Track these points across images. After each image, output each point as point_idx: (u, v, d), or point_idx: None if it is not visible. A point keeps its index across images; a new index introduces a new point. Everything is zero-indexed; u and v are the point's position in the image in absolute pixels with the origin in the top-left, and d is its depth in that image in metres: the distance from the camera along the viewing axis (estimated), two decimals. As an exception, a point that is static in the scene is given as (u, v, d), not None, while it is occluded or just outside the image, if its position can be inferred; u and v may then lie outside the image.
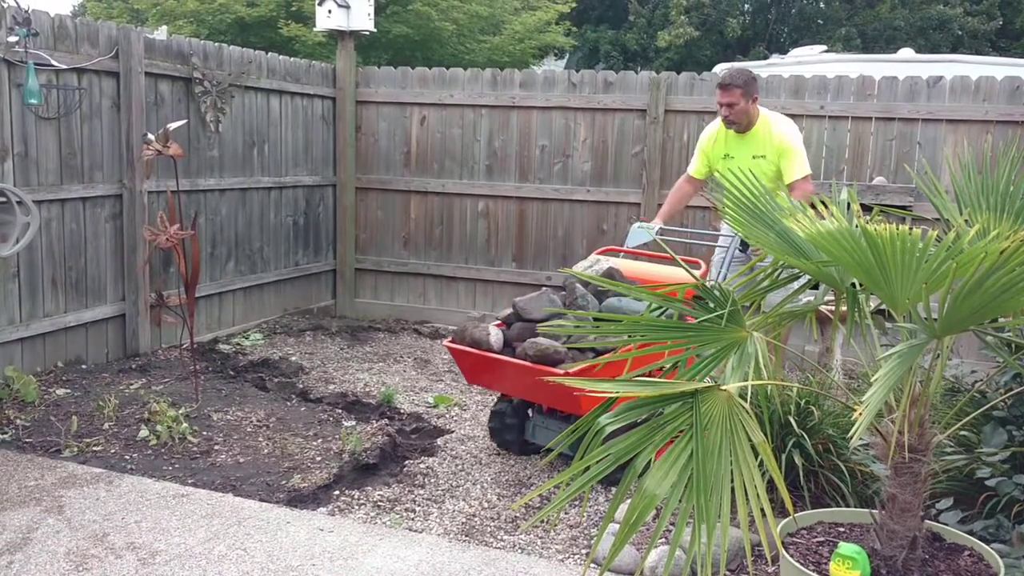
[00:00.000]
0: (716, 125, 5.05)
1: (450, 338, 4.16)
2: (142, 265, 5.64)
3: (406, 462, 4.28)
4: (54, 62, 5.01)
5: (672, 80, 6.69)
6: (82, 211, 5.37)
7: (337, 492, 3.93)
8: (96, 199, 5.45)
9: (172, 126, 4.76)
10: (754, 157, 4.85)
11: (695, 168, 5.17)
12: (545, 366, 3.81)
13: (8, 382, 4.77)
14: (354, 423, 4.78)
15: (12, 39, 4.75)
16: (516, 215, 7.18)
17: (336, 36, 7.49)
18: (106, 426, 4.49)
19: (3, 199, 4.67)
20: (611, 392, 2.09)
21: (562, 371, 3.68)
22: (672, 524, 3.35)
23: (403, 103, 7.41)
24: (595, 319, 4.04)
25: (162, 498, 3.74)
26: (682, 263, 2.98)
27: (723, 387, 2.21)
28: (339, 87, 7.48)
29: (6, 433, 4.32)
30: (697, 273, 4.16)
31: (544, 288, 4.15)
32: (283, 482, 3.96)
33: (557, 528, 3.64)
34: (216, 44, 6.37)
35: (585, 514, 3.76)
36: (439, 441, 4.60)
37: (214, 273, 6.40)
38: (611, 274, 4.29)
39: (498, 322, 4.23)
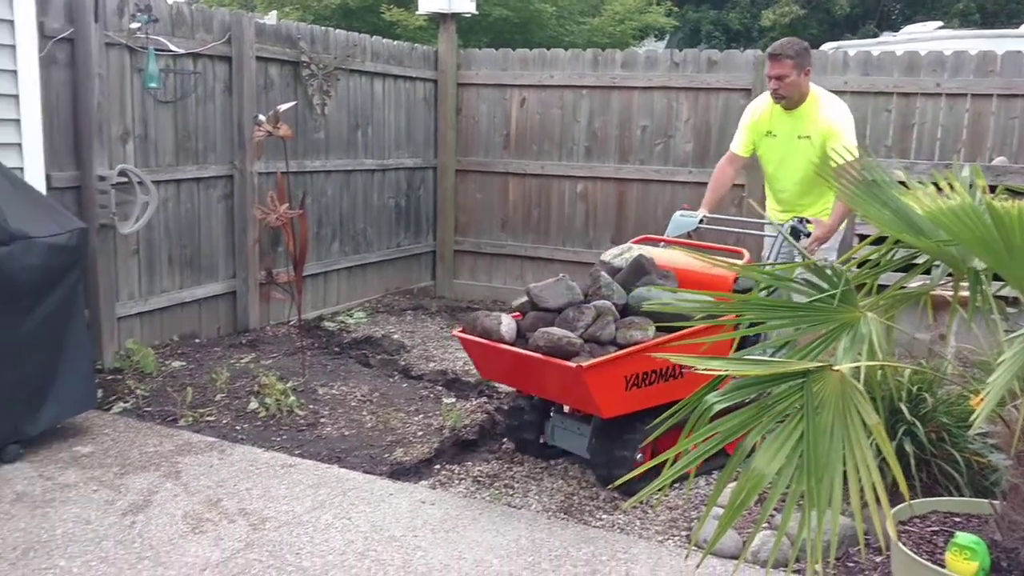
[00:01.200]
0: (763, 100, 4.77)
1: (460, 327, 3.86)
2: (252, 244, 5.83)
3: (504, 439, 4.31)
4: (172, 47, 5.21)
5: (778, 58, 6.50)
6: (196, 191, 5.58)
7: (438, 466, 4.00)
8: (209, 180, 5.66)
9: (282, 108, 4.88)
10: (799, 137, 4.58)
11: (739, 145, 4.86)
12: (557, 358, 3.46)
13: (129, 354, 5.01)
14: (454, 400, 4.84)
15: (134, 26, 4.96)
16: (615, 197, 7.13)
17: (438, 19, 7.55)
18: (218, 397, 4.67)
19: (124, 179, 4.89)
20: (720, 369, 2.06)
21: (575, 365, 3.37)
22: (775, 510, 3.30)
23: (503, 85, 7.43)
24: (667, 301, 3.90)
25: (271, 467, 3.87)
26: (706, 260, 2.99)
27: (836, 367, 2.15)
28: (440, 69, 7.55)
29: (127, 402, 4.55)
30: (739, 262, 3.91)
31: (562, 275, 3.88)
32: (386, 455, 4.05)
33: (657, 509, 3.61)
34: (323, 28, 6.51)
35: (688, 495, 3.72)
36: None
37: (319, 253, 6.57)
38: (639, 263, 3.99)
39: (515, 312, 3.91)
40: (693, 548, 3.25)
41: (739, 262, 3.85)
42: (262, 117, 4.93)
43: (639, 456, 3.65)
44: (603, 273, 3.90)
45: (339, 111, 6.62)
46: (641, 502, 3.64)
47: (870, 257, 2.77)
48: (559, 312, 3.70)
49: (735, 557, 3.19)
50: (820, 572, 2.97)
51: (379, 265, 7.27)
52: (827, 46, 8.16)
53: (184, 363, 5.17)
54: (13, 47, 4.25)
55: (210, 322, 5.79)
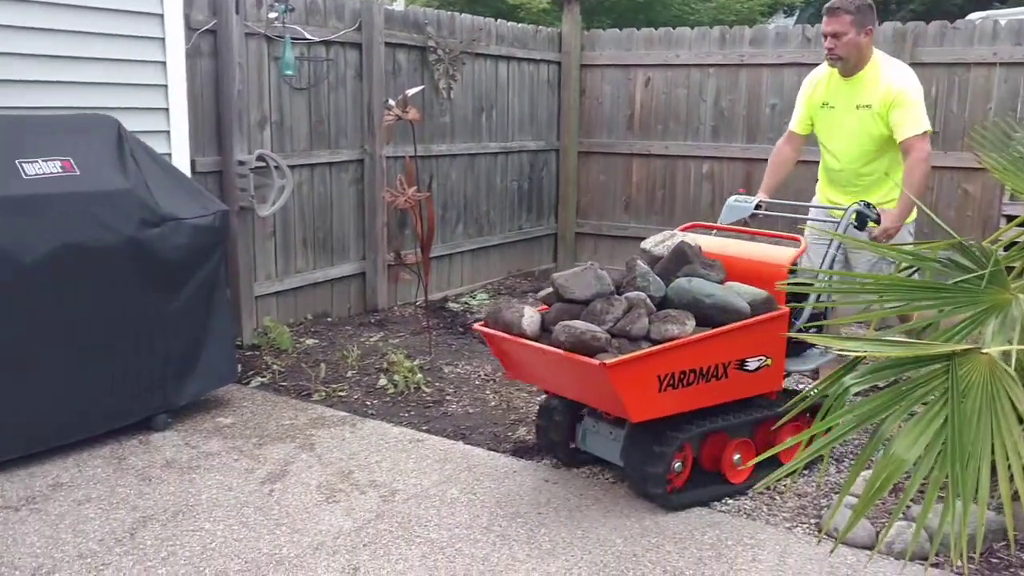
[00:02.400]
0: (820, 70, 4.31)
1: (483, 320, 3.52)
2: (381, 226, 5.99)
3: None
4: (307, 35, 5.39)
5: (920, 30, 6.20)
6: (328, 175, 5.77)
7: (561, 447, 4.03)
8: (341, 164, 5.84)
9: (410, 92, 4.99)
10: (857, 107, 4.07)
11: (796, 122, 4.40)
12: (579, 354, 3.08)
13: (266, 331, 5.25)
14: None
15: (271, 15, 5.16)
16: (743, 177, 6.96)
17: (561, 1, 7.54)
18: (349, 374, 4.83)
19: (262, 164, 5.10)
20: (858, 351, 2.00)
21: (598, 362, 2.99)
22: (912, 501, 3.17)
23: (627, 65, 7.35)
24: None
25: (399, 442, 3.98)
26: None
27: (985, 351, 2.04)
28: (564, 51, 7.54)
29: (264, 377, 4.76)
30: (792, 252, 3.63)
31: (591, 263, 3.48)
32: (509, 433, 4.11)
33: (785, 496, 3.53)
34: (448, 13, 6.60)
35: (818, 482, 3.62)
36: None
37: (444, 235, 6.69)
38: (681, 251, 3.57)
39: (542, 305, 3.54)
40: (824, 536, 3.16)
41: (792, 252, 3.62)
42: (392, 101, 5.05)
43: (677, 465, 3.34)
44: (639, 262, 3.53)
45: (464, 95, 6.71)
46: (768, 488, 3.57)
47: (1018, 239, 2.62)
48: (586, 304, 3.32)
49: (867, 547, 3.08)
50: (964, 568, 2.83)
51: (501, 248, 7.34)
52: (974, 15, 7.71)
53: (317, 341, 5.38)
54: (162, 40, 4.49)
55: (341, 302, 5.99)
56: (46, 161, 3.60)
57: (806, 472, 3.71)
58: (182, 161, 4.62)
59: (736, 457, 3.50)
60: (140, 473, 3.61)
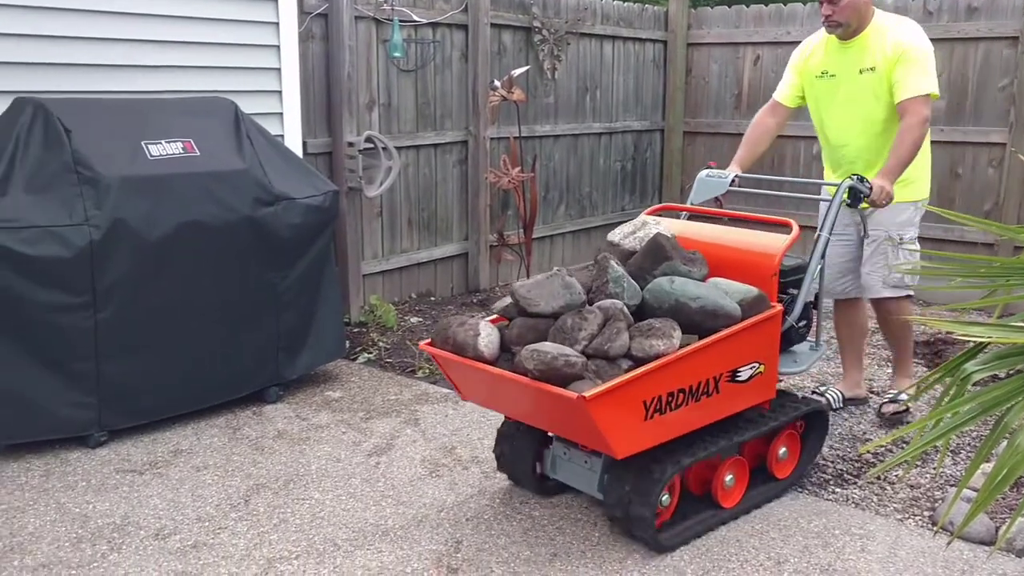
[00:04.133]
0: (815, 36, 3.93)
1: (428, 339, 3.03)
2: (484, 207, 6.04)
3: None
4: (415, 17, 5.46)
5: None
6: (433, 157, 5.85)
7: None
8: (445, 145, 5.90)
9: (515, 73, 5.00)
10: (860, 72, 3.69)
11: (783, 92, 4.00)
12: (551, 385, 2.58)
13: (372, 309, 5.37)
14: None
15: (380, -1, 5.25)
16: (855, 158, 6.71)
17: (669, -22, 7.41)
18: (452, 352, 4.91)
19: (370, 145, 5.21)
20: (983, 336, 1.91)
21: (575, 394, 2.50)
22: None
23: (735, 43, 7.18)
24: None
25: (499, 420, 4.02)
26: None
27: (1121, 339, 1.92)
28: (670, 30, 7.42)
29: (371, 353, 4.88)
30: (784, 240, 3.14)
31: (557, 269, 2.93)
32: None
33: (896, 487, 3.42)
34: (554, -7, 6.58)
35: (934, 474, 3.49)
36: (766, 389, 4.50)
37: (546, 216, 6.70)
38: (658, 244, 3.06)
39: (495, 316, 3.03)
40: (939, 530, 3.05)
41: (785, 239, 3.15)
42: (497, 82, 5.07)
43: (665, 498, 2.91)
44: (612, 263, 2.93)
45: (568, 75, 6.68)
46: (879, 477, 3.46)
47: None
48: (555, 318, 2.79)
49: (985, 543, 2.96)
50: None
51: (603, 229, 7.30)
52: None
53: (421, 319, 5.48)
54: (276, 24, 4.63)
55: (444, 281, 6.08)
56: (169, 142, 3.76)
57: (920, 463, 3.58)
58: (294, 142, 4.76)
59: (728, 478, 3.10)
60: (253, 443, 3.76)
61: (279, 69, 4.67)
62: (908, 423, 3.84)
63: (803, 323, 3.34)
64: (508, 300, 2.93)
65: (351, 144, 5.11)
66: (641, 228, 3.25)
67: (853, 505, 3.28)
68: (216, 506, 3.22)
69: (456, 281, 6.16)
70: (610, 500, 2.91)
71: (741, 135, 7.09)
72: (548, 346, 2.62)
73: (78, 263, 3.43)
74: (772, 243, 3.18)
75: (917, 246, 3.86)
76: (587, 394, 2.48)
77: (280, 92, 4.70)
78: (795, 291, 3.30)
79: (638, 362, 2.67)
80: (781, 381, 3.44)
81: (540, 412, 2.87)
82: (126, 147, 3.64)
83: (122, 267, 3.54)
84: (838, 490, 3.40)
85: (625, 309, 2.79)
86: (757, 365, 3.01)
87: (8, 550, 2.91)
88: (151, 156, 3.68)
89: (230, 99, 4.20)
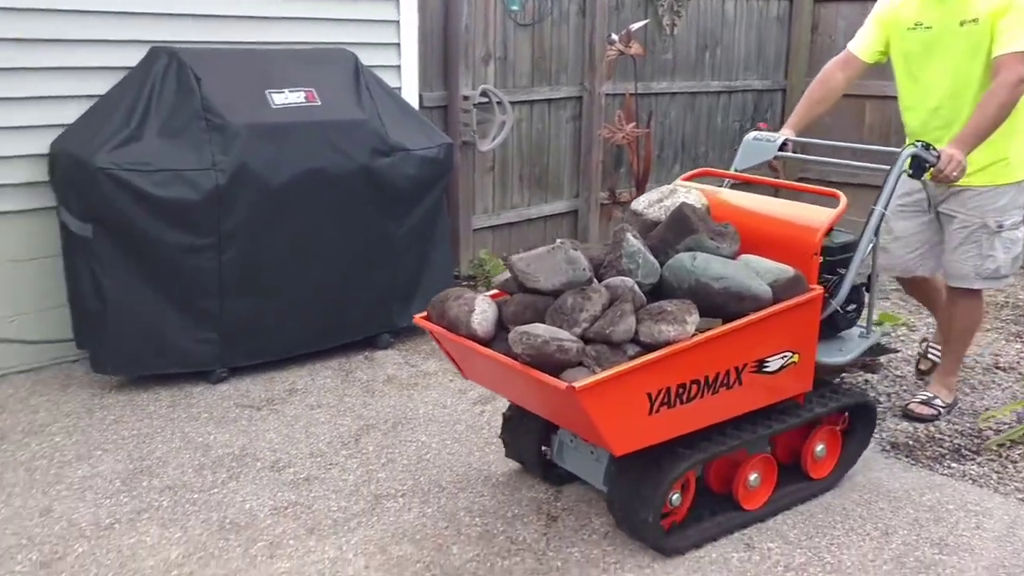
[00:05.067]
0: None
1: (425, 311, 2.76)
2: (596, 164, 6.00)
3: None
4: (532, -29, 5.42)
5: None
6: (547, 112, 5.83)
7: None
8: (559, 101, 5.87)
9: (633, 27, 4.92)
10: (962, 23, 3.26)
11: (861, 45, 3.55)
12: (542, 371, 2.31)
13: (481, 263, 5.43)
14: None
15: (499, -49, 5.23)
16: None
17: (798, -70, 7.11)
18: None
19: (485, 100, 5.23)
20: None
21: (565, 384, 2.23)
22: None
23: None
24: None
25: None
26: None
27: None
28: (797, -15, 7.14)
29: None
30: (829, 213, 2.79)
31: (560, 241, 2.59)
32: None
33: (1019, 465, 3.27)
34: (676, -54, 6.41)
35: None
36: (882, 359, 4.35)
37: (660, 175, 6.60)
38: (682, 215, 2.74)
39: (497, 291, 2.75)
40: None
41: (830, 213, 2.80)
42: (615, 36, 5.00)
43: (675, 497, 2.65)
44: (629, 235, 2.61)
45: (688, 31, 6.52)
46: (999, 455, 3.32)
47: None
48: (555, 296, 2.50)
49: (1114, 528, 2.81)
50: None
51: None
52: None
53: (529, 274, 5.50)
54: (397, -24, 4.68)
55: (553, 238, 6.07)
56: (292, 92, 3.87)
57: (1045, 442, 3.41)
58: (411, 95, 4.83)
59: (752, 477, 2.81)
60: (364, 386, 3.88)
61: (398, 22, 4.73)
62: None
63: (852, 307, 3.03)
64: (507, 274, 2.63)
65: (466, 98, 5.14)
66: (669, 196, 2.94)
67: (970, 481, 3.16)
68: (328, 443, 3.35)
69: (564, 237, 6.15)
70: (612, 496, 2.66)
71: (869, 96, 6.87)
72: (540, 328, 2.35)
73: (205, 206, 3.58)
74: (815, 217, 2.81)
75: (1021, 233, 3.44)
76: (577, 385, 2.22)
77: (398, 45, 4.76)
78: (844, 271, 2.94)
79: (646, 348, 2.39)
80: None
81: (533, 399, 2.63)
82: (251, 95, 3.77)
83: (245, 211, 3.68)
84: (955, 465, 3.28)
85: (636, 288, 2.49)
86: (789, 355, 2.68)
87: (138, 472, 3.11)
88: (275, 105, 3.80)
89: (351, 51, 4.28)
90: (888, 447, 3.42)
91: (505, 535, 2.78)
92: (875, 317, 3.16)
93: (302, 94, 3.89)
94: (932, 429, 3.57)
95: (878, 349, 3.41)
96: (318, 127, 3.85)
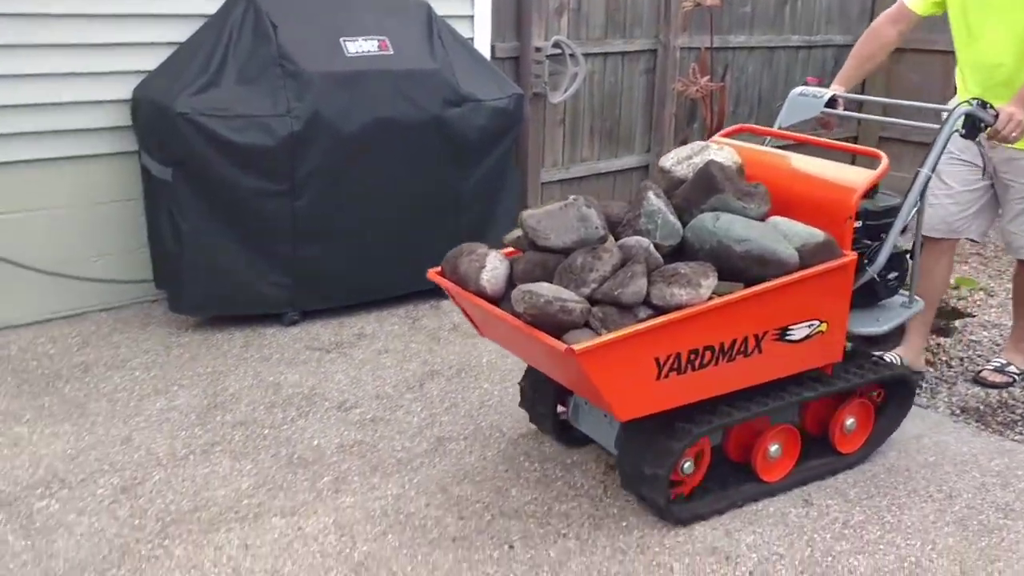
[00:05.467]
0: None
1: (440, 266, 2.70)
2: (668, 119, 5.92)
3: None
4: (609, -80, 5.33)
5: None
6: (620, 65, 5.75)
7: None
8: (633, 54, 5.79)
9: (711, -23, 4.81)
10: None
11: None
12: (545, 332, 2.25)
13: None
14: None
15: (576, -101, 5.15)
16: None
17: None
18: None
19: (558, 51, 5.19)
20: None
21: (564, 346, 2.18)
22: None
23: (960, -50, 6.55)
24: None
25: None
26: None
27: None
28: (886, -65, 6.86)
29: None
30: (868, 175, 2.64)
31: (574, 197, 2.47)
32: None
33: (1094, 434, 3.18)
34: None
35: None
36: (956, 323, 4.24)
37: (733, 132, 6.48)
38: (708, 174, 2.60)
39: (511, 249, 2.65)
40: None
41: (867, 175, 2.64)
42: (691, -13, 4.90)
43: (687, 465, 2.57)
44: (650, 193, 2.51)
45: (768, -17, 6.35)
46: (1075, 424, 3.23)
47: None
48: (566, 254, 2.43)
49: None
50: None
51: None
52: None
53: (597, 229, 5.49)
54: (471, -76, 4.65)
55: (623, 193, 6.04)
56: (365, 40, 3.91)
57: (1125, 413, 3.31)
58: (483, 46, 4.82)
59: (773, 448, 2.72)
60: (430, 333, 3.95)
61: (472, -29, 4.71)
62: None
63: (894, 275, 2.87)
64: (519, 231, 2.57)
65: (538, 49, 5.11)
66: (699, 153, 2.79)
67: (1043, 448, 3.09)
68: (393, 386, 3.44)
69: (635, 193, 6.10)
70: (621, 460, 2.60)
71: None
72: (544, 287, 2.29)
73: (280, 152, 3.66)
74: (852, 178, 2.66)
75: None
76: (577, 347, 2.16)
77: (472, -6, 4.75)
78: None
79: (659, 312, 2.30)
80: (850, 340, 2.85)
81: (541, 360, 2.56)
82: (326, 43, 3.82)
83: (318, 158, 3.75)
84: (1026, 432, 3.21)
85: (652, 249, 2.40)
86: (816, 323, 2.57)
87: (212, 407, 3.24)
88: (348, 53, 3.84)
89: (424, 0, 4.29)
90: (958, 411, 3.36)
91: (563, 480, 2.82)
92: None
93: (375, 43, 3.92)
94: (1004, 395, 3.49)
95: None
96: (390, 76, 3.88)
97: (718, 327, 2.38)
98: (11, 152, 3.76)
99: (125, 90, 3.90)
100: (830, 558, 2.49)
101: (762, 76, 6.57)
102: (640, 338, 2.25)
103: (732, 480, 2.71)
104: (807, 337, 2.57)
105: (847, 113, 3.29)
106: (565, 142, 5.61)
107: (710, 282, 2.32)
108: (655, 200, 2.50)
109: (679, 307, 2.29)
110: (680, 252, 2.50)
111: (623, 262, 2.36)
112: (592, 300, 2.31)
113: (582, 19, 5.45)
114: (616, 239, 2.49)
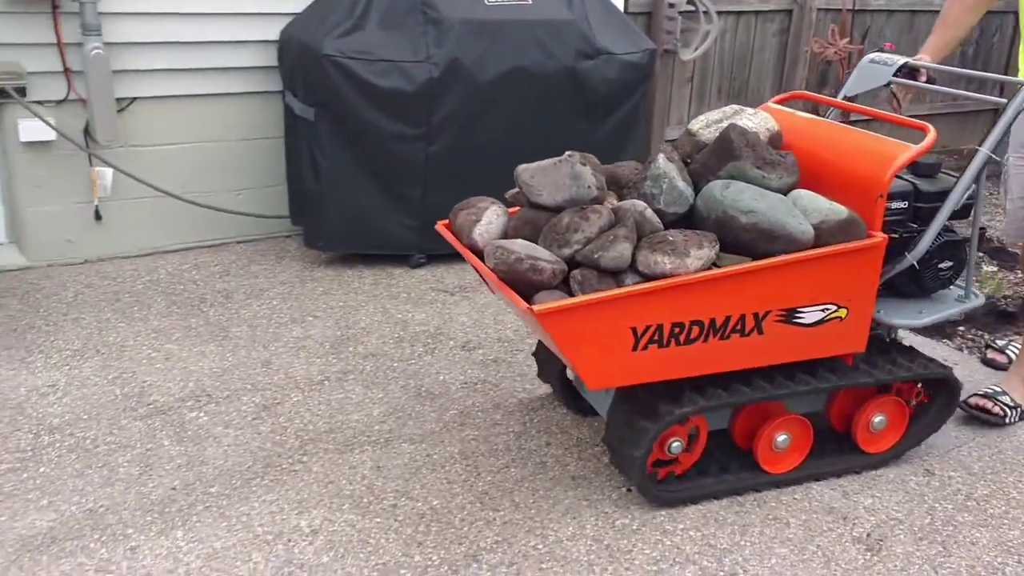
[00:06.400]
0: None
1: (449, 216, 2.59)
2: (800, 81, 5.78)
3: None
4: None
5: None
6: (754, 24, 5.64)
7: (963, 329, 3.79)
8: (768, 13, 5.67)
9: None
10: None
11: None
12: (514, 290, 2.18)
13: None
14: (995, 268, 4.46)
15: None
16: None
17: None
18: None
19: (692, 8, 5.12)
20: None
21: (525, 305, 2.10)
22: None
23: None
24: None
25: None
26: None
27: None
28: None
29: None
30: (908, 149, 2.37)
31: (569, 154, 2.37)
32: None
33: None
34: None
35: None
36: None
37: (866, 97, 6.28)
38: (726, 139, 2.41)
39: (514, 207, 2.56)
40: None
41: (912, 146, 2.37)
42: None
43: (675, 445, 2.44)
44: (661, 156, 2.39)
45: (916, -57, 6.09)
46: None
47: None
48: (557, 212, 2.35)
49: None
50: None
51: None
52: None
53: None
54: None
55: (746, 156, 5.96)
56: (506, -11, 3.96)
57: None
58: (616, 0, 4.80)
59: (780, 438, 2.53)
60: (551, 282, 4.03)
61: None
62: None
63: (947, 264, 2.60)
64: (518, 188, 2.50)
65: (672, 5, 5.06)
66: (731, 117, 2.61)
67: None
68: (514, 331, 3.53)
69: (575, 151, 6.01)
70: (607, 429, 2.48)
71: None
72: (518, 244, 2.22)
73: (418, 97, 3.76)
74: (889, 152, 2.40)
75: None
76: (536, 308, 2.08)
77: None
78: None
79: (645, 279, 2.20)
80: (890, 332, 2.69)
81: (520, 318, 2.41)
82: (467, -9, 3.88)
83: (453, 105, 3.84)
84: None
85: (648, 213, 2.28)
86: (833, 308, 2.38)
87: (344, 338, 3.41)
88: (488, 2, 3.90)
89: (562, -49, 4.29)
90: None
91: (681, 432, 2.87)
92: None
93: (514, -8, 3.96)
94: None
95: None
96: (527, 26, 3.93)
97: (707, 302, 2.23)
98: (169, 87, 3.99)
99: (272, 31, 4.07)
100: (951, 527, 2.47)
101: (900, 41, 6.32)
102: (610, 304, 2.14)
103: (734, 465, 2.56)
104: (820, 322, 2.39)
105: (920, 84, 2.88)
106: (692, 100, 5.56)
107: (703, 252, 2.18)
108: (663, 163, 2.37)
109: (663, 275, 2.18)
110: (689, 220, 2.38)
111: (611, 224, 2.26)
112: (574, 262, 2.23)
113: (718, -25, 5.37)
114: (624, 197, 2.42)
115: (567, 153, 2.38)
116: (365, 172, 3.89)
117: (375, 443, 2.74)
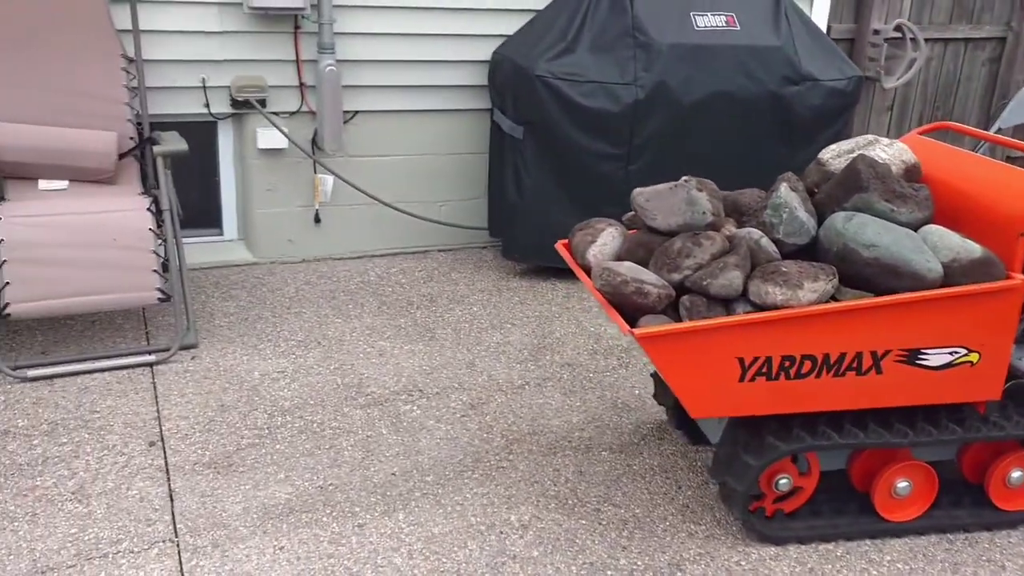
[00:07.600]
0: None
1: (567, 237, 2.61)
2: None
3: None
4: None
5: None
6: (962, 52, 5.45)
7: None
8: (978, 41, 5.46)
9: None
10: None
11: None
12: (620, 311, 2.19)
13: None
14: None
15: None
16: None
17: None
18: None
19: (898, 35, 5.01)
20: None
21: (627, 328, 2.10)
22: None
23: None
24: None
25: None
26: None
27: None
28: None
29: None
30: None
31: (686, 179, 2.36)
32: None
33: None
34: None
35: None
36: None
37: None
38: (853, 170, 2.31)
39: (632, 230, 2.54)
40: None
41: None
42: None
43: (783, 482, 2.37)
44: (784, 185, 2.33)
45: None
46: None
47: None
48: (670, 235, 2.34)
49: None
50: None
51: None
52: None
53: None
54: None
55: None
56: (714, 15, 4.01)
57: None
58: (819, 24, 4.76)
59: (900, 484, 2.41)
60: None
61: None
62: None
63: None
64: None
65: (877, 32, 4.97)
66: (864, 147, 2.53)
67: None
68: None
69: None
70: (714, 460, 2.42)
71: None
72: (625, 267, 2.21)
73: (622, 118, 3.88)
74: None
75: None
76: (637, 331, 2.07)
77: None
78: None
79: (757, 309, 2.17)
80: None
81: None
82: (677, 16, 3.97)
83: (656, 126, 3.93)
84: None
85: (764, 242, 2.24)
86: (962, 351, 2.26)
87: (541, 347, 3.55)
88: (697, 27, 3.97)
89: (771, -23, 4.31)
90: None
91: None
92: None
93: (723, 18, 4.02)
94: None
95: None
96: (734, 51, 3.97)
97: (821, 336, 2.17)
98: (388, 102, 4.27)
99: (485, 52, 4.29)
100: None
101: None
102: (715, 333, 2.12)
103: (851, 508, 2.48)
104: (948, 365, 2.27)
105: None
106: (890, 128, 5.42)
107: (818, 285, 2.13)
108: (785, 192, 2.32)
109: (774, 307, 2.14)
110: (811, 252, 2.32)
111: (724, 251, 2.25)
112: (684, 287, 2.24)
113: (926, 1, 5.22)
114: (743, 225, 2.42)
115: (683, 178, 2.39)
116: (565, 189, 4.03)
117: (576, 449, 2.85)
